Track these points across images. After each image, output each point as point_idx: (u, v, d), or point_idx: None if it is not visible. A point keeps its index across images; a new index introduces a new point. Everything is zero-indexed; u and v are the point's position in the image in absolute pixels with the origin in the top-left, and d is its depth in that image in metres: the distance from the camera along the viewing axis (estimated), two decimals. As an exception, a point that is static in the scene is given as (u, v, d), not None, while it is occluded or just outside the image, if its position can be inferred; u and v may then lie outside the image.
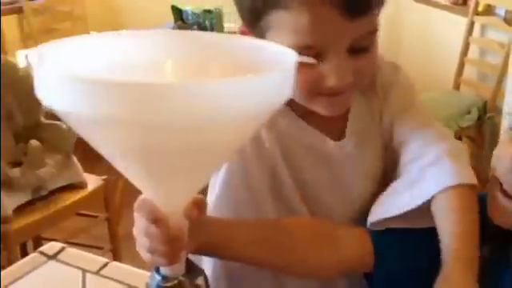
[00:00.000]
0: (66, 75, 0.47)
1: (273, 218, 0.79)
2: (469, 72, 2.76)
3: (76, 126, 0.50)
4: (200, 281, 0.60)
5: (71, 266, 0.93)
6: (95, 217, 1.92)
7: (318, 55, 0.68)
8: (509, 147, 0.71)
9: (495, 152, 0.74)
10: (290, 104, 0.74)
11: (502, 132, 2.09)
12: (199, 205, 0.60)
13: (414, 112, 0.82)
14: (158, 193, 0.56)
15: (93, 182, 1.78)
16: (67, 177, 1.70)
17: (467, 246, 0.71)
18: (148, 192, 0.56)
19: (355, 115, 0.81)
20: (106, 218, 1.87)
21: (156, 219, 0.55)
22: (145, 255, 0.59)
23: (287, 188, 0.79)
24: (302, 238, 0.76)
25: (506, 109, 2.22)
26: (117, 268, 0.94)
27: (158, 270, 0.60)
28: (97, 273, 0.92)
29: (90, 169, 1.77)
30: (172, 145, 0.48)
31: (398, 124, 0.81)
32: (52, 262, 0.94)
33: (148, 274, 0.62)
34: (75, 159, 1.72)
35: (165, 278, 0.59)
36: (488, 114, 2.53)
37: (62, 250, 0.96)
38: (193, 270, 0.61)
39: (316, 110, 0.74)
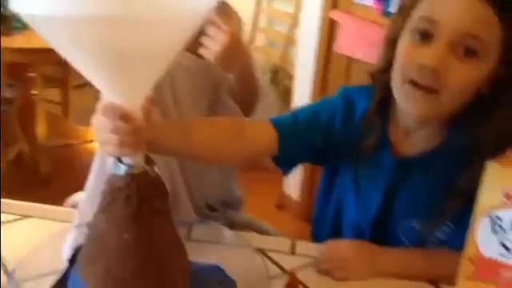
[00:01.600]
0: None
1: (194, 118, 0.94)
2: (259, 39, 3.03)
3: (45, 31, 0.56)
4: (156, 169, 0.68)
5: None
6: None
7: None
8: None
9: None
10: None
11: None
12: (151, 101, 0.68)
13: None
14: (118, 92, 0.63)
15: None
16: None
17: None
18: (109, 93, 0.63)
19: None
20: None
21: (123, 115, 0.63)
22: (112, 150, 0.65)
23: None
24: (217, 134, 0.87)
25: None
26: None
27: (121, 161, 0.66)
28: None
29: None
30: (129, 46, 0.56)
31: None
32: None
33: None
34: None
35: (129, 167, 0.65)
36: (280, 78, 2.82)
37: None
38: (147, 160, 0.67)
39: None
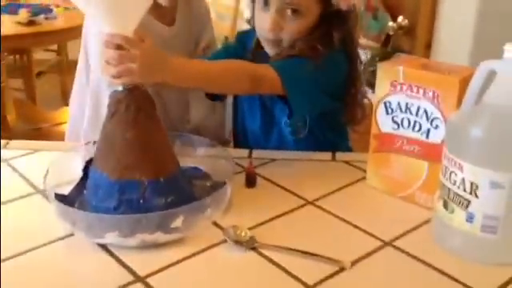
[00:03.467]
0: None
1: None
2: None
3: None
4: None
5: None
6: None
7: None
8: None
9: None
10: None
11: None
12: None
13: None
14: (114, 21, 0.88)
15: None
16: None
17: None
18: (106, 23, 0.88)
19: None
20: None
21: (130, 41, 0.88)
22: (116, 80, 0.90)
23: None
24: (222, 74, 1.08)
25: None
26: None
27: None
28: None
29: None
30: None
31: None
32: None
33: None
34: None
35: (126, 85, 0.91)
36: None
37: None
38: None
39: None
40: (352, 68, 1.23)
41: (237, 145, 1.36)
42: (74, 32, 3.29)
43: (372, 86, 1.60)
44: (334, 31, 1.17)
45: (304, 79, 1.12)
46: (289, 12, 1.14)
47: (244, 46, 1.29)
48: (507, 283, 0.83)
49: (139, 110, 0.93)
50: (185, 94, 1.33)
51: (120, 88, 0.94)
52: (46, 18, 3.06)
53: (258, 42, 1.23)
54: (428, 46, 2.27)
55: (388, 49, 2.40)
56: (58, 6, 3.23)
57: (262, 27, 1.17)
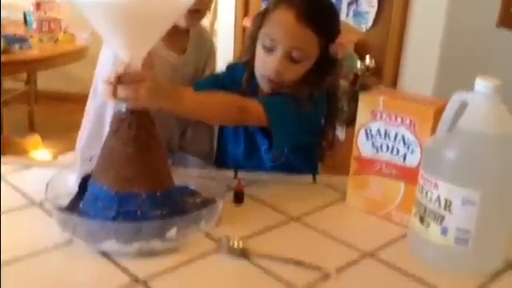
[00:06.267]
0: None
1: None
2: None
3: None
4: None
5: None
6: None
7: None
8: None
9: None
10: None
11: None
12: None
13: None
14: (128, 46, 0.96)
15: None
16: None
17: None
18: (121, 47, 0.96)
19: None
20: None
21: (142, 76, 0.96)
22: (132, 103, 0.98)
23: None
24: (216, 106, 1.17)
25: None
26: None
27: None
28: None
29: None
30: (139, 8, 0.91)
31: None
32: None
33: None
34: None
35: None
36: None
37: None
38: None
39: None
40: (331, 108, 1.34)
41: (217, 166, 1.44)
42: (46, 62, 3.35)
43: (339, 121, 1.71)
44: (328, 76, 1.29)
45: (288, 118, 1.24)
46: (293, 56, 1.24)
47: (233, 77, 1.37)
48: (478, 290, 0.92)
49: (140, 128, 1.00)
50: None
51: (123, 109, 1.00)
52: (21, 48, 3.10)
53: (248, 77, 1.33)
54: (393, 85, 2.40)
55: (355, 88, 2.52)
56: (32, 37, 3.28)
57: (267, 68, 1.26)
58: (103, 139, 1.04)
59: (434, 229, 0.96)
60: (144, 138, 1.01)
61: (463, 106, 0.95)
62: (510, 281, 0.95)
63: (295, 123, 1.24)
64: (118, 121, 1.01)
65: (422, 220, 0.98)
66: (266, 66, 1.26)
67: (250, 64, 1.32)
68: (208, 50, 1.48)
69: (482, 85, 0.92)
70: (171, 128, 1.36)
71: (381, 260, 0.98)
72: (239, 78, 1.35)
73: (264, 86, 1.29)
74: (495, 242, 0.97)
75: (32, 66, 3.36)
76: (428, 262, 0.97)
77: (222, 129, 1.43)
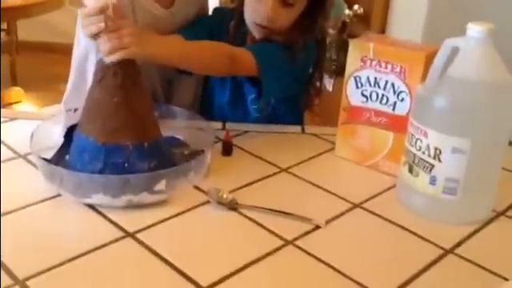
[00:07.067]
0: None
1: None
2: None
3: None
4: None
5: None
6: None
7: None
8: None
9: None
10: None
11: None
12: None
13: None
14: None
15: None
16: None
17: None
18: None
19: None
20: None
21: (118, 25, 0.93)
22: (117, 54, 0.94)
23: None
24: (206, 56, 1.13)
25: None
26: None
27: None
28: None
29: None
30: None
31: None
32: None
33: None
34: None
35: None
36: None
37: None
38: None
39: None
40: (320, 55, 1.31)
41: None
42: (25, 10, 3.27)
43: (328, 71, 1.69)
44: (320, 18, 1.26)
45: (279, 67, 1.21)
46: (285, 1, 1.20)
47: (220, 21, 1.33)
48: (466, 239, 0.92)
49: (126, 76, 0.97)
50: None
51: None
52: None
53: (237, 24, 1.29)
54: (382, 32, 2.37)
55: (344, 36, 2.48)
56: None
57: (258, 14, 1.22)
58: (87, 89, 1.02)
59: (423, 178, 0.95)
60: (130, 86, 0.98)
61: (455, 51, 0.93)
62: (496, 230, 0.95)
63: (286, 72, 1.22)
64: (103, 69, 0.98)
65: (410, 169, 0.97)
66: (257, 12, 1.22)
67: (239, 11, 1.28)
68: (200, 4, 1.40)
69: (474, 29, 0.90)
70: (153, 77, 1.33)
71: (369, 210, 0.98)
72: (226, 23, 1.32)
73: (256, 33, 1.25)
74: (483, 192, 0.97)
75: (11, 14, 3.28)
76: (416, 212, 0.97)
77: (207, 77, 1.40)
